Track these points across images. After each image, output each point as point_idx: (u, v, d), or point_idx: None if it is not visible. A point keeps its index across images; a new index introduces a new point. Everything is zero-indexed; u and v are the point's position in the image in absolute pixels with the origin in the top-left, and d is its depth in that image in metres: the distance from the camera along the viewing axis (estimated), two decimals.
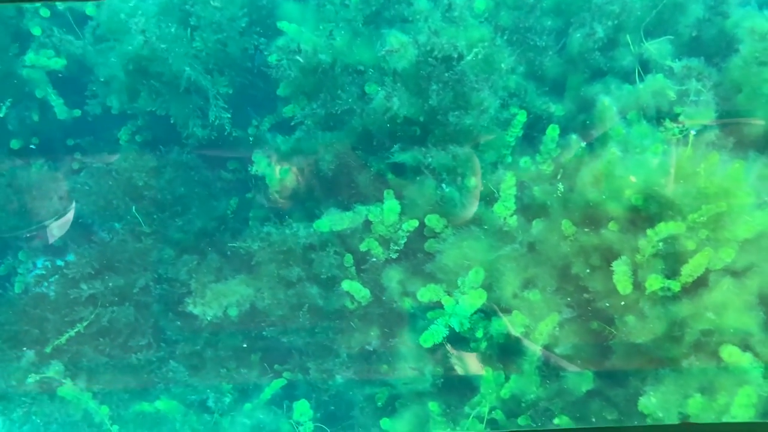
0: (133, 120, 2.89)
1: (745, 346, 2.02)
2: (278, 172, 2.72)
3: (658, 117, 2.44)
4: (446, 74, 2.43)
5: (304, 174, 2.69)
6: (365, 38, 2.55)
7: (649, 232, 2.06)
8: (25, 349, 2.65)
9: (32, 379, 2.57)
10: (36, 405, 2.65)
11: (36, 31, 2.76)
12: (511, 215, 2.42)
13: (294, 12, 2.58)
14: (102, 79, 2.79)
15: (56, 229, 2.75)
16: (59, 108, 2.84)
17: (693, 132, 2.20)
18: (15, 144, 2.90)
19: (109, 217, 2.75)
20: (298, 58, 2.47)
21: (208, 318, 2.61)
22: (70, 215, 2.74)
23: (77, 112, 2.90)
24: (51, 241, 2.75)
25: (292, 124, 2.65)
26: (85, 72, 2.86)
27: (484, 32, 2.46)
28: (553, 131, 2.42)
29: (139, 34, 2.53)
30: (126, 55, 2.63)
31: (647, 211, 2.12)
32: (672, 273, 2.10)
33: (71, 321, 2.59)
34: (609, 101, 2.36)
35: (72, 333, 2.57)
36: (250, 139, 2.86)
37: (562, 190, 2.31)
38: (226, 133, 2.90)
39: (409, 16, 2.49)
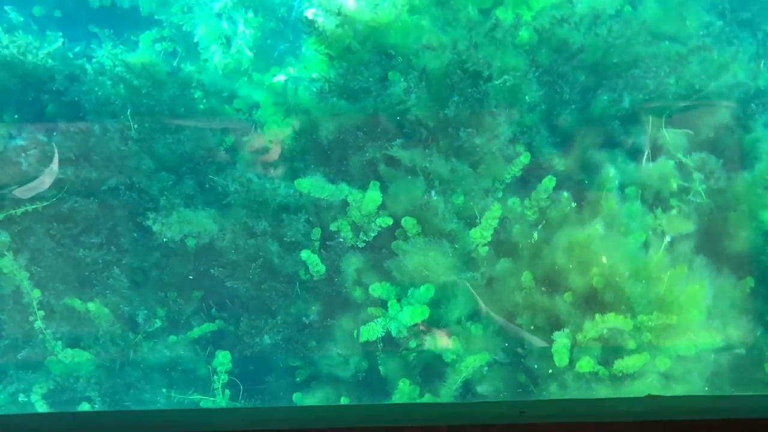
0: (159, 27, 2.85)
1: None
2: (280, 123, 2.70)
3: (654, 202, 2.45)
4: (470, 89, 2.42)
5: (302, 133, 2.67)
6: (406, 24, 2.51)
7: (597, 317, 2.07)
8: None
9: None
10: None
11: None
12: (484, 245, 2.43)
13: None
14: None
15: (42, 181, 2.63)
16: None
17: (668, 239, 2.20)
18: (37, 11, 2.86)
19: (103, 113, 2.71)
20: (334, 18, 2.43)
21: (165, 239, 2.60)
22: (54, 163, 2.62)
23: (107, 2, 2.86)
24: (26, 196, 2.62)
25: (308, 82, 2.63)
26: None
27: (519, 62, 2.44)
28: (549, 183, 2.42)
29: None
30: None
31: (603, 296, 2.13)
32: (605, 361, 2.12)
33: (32, 197, 2.57)
34: (614, 172, 2.35)
35: (29, 208, 2.56)
36: (265, 84, 2.84)
37: (536, 238, 2.32)
38: (243, 69, 2.87)
39: (455, 18, 2.46)
